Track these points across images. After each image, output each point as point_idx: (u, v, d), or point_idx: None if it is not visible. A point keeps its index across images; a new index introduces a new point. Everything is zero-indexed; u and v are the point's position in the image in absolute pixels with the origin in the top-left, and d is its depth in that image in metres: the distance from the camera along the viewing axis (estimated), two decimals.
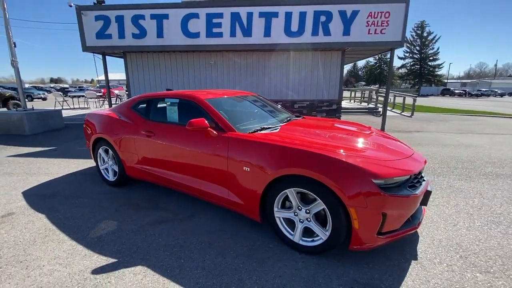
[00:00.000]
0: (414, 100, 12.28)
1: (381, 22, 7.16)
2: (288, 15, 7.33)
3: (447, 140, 6.57)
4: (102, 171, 3.67)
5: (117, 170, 3.45)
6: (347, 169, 1.87)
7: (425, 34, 46.54)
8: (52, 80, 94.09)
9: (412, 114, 12.36)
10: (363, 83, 68.96)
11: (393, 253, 2.15)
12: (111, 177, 3.58)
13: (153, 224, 2.66)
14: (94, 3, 8.25)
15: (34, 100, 25.43)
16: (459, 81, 65.17)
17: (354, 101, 17.12)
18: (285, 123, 2.90)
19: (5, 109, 8.29)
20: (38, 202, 3.14)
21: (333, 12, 7.20)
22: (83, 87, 41.17)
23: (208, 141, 2.53)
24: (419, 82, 48.76)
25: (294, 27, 7.41)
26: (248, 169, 2.27)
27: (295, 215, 2.17)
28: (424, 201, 2.25)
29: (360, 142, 2.36)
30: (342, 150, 2.05)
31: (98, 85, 30.36)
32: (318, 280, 1.86)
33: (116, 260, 2.11)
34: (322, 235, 2.04)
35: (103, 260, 2.10)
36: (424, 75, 47.88)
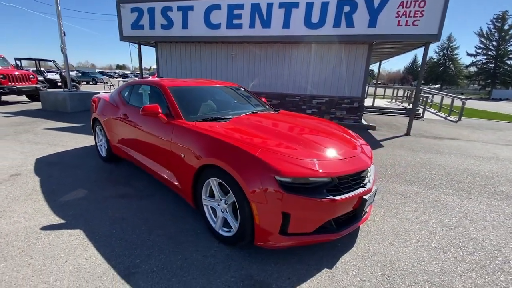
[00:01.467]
0: (463, 103, 10.71)
1: (414, 12, 6.37)
2: (309, 6, 7.01)
3: (480, 151, 5.66)
4: (98, 147, 4.16)
5: (106, 148, 3.88)
6: (252, 163, 1.84)
7: (506, 27, 39.30)
8: (118, 67, 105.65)
9: (459, 119, 10.83)
10: (422, 82, 61.88)
11: (310, 258, 2.05)
12: (103, 153, 4.03)
13: (115, 197, 2.97)
14: None
15: (98, 83, 29.21)
16: None
17: (396, 101, 15.61)
18: (242, 115, 2.89)
19: (61, 90, 9.80)
20: (42, 168, 3.73)
21: (358, 2, 6.65)
22: (138, 74, 45.49)
23: (161, 127, 2.69)
24: (491, 83, 41.74)
25: (315, 18, 7.07)
26: (184, 156, 2.38)
27: (218, 205, 2.21)
28: (359, 209, 2.09)
29: (298, 140, 2.25)
30: (263, 145, 2.01)
31: (148, 72, 33.71)
32: (215, 269, 1.90)
33: (65, 222, 2.44)
34: (234, 227, 2.05)
35: (55, 220, 2.46)
36: (498, 76, 40.76)
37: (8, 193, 2.94)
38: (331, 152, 2.11)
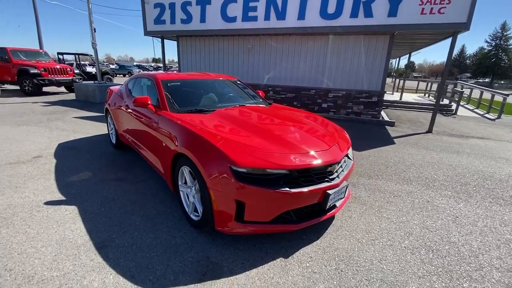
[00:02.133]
0: (504, 99, 9.60)
1: None
2: None
3: (508, 153, 5.11)
4: (110, 135, 4.56)
5: (115, 135, 4.24)
6: (212, 153, 1.94)
7: None
8: (154, 60, 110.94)
9: (499, 117, 9.75)
10: (468, 75, 56.12)
11: (271, 247, 2.11)
12: (114, 141, 4.41)
13: (113, 180, 3.27)
14: None
15: None
16: None
17: (429, 96, 14.43)
18: (227, 108, 2.98)
19: (92, 82, 10.66)
20: (61, 152, 4.21)
21: None
22: (172, 66, 47.61)
23: (150, 117, 2.90)
24: None
25: (331, 8, 6.82)
26: (165, 144, 2.55)
27: (190, 191, 2.36)
28: (323, 203, 2.10)
29: (268, 133, 2.29)
30: (228, 136, 2.10)
31: (176, 66, 35.15)
32: (179, 249, 2.06)
33: (65, 199, 2.78)
34: (200, 212, 2.19)
35: (58, 197, 2.81)
36: None
37: (27, 172, 3.40)
38: (297, 146, 2.13)
